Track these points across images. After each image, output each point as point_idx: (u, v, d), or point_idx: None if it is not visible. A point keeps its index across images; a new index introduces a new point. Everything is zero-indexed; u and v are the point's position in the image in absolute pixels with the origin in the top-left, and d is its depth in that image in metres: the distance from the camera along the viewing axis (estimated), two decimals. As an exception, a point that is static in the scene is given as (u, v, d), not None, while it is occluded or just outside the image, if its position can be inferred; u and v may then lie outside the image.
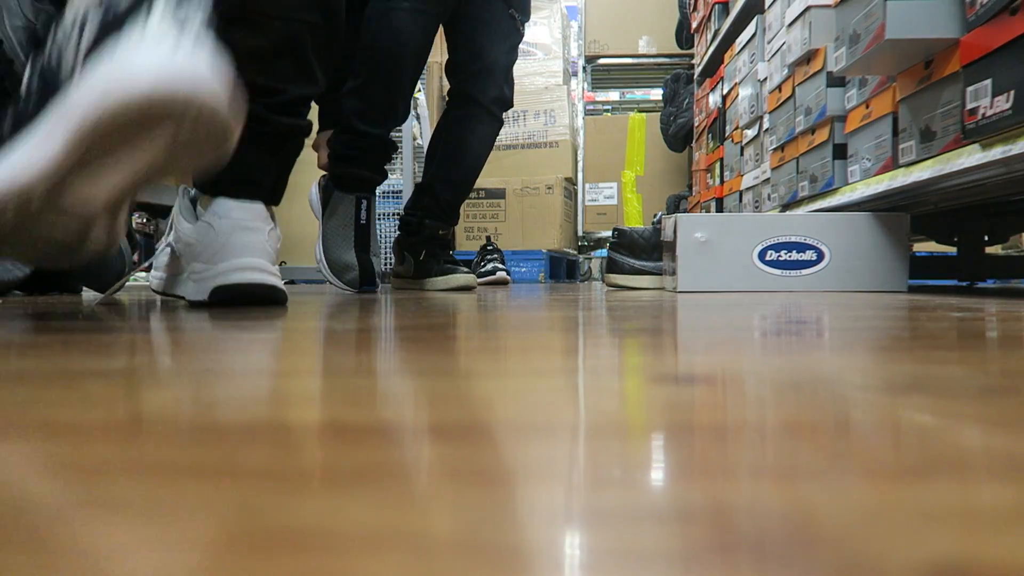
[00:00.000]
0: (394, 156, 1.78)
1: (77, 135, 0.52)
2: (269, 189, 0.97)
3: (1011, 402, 0.28)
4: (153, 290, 1.08)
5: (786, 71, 2.06)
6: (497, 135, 1.85)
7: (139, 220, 2.72)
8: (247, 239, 0.91)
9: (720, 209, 2.99)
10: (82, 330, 0.61)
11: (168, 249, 1.00)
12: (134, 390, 0.31)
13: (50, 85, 0.54)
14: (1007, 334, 0.58)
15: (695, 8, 3.71)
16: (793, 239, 1.57)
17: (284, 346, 0.50)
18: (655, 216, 1.98)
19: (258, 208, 0.93)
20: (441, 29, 1.78)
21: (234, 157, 0.69)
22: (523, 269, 3.61)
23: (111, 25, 0.51)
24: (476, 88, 1.76)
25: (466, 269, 1.80)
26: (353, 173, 1.66)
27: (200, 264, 0.92)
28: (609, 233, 2.05)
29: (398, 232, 1.89)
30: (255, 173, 0.95)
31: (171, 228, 1.00)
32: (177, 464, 0.19)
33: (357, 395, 0.30)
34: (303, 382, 0.34)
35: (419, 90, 3.25)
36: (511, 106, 1.85)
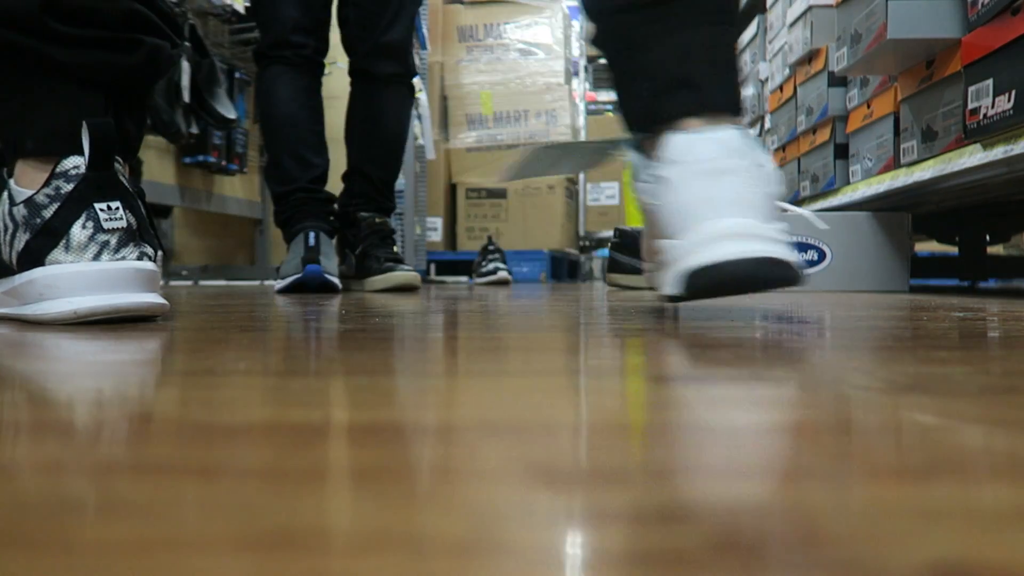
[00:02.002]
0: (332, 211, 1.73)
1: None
2: (713, 88, 0.66)
3: (1012, 402, 0.28)
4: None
5: (787, 71, 2.06)
6: (411, 103, 1.81)
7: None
8: (717, 190, 0.60)
9: (721, 209, 2.98)
10: (83, 330, 0.61)
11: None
12: (134, 389, 0.31)
13: None
14: (1008, 334, 0.58)
15: (696, 8, 3.71)
16: (795, 239, 1.57)
17: (274, 344, 0.50)
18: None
19: (727, 134, 0.61)
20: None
21: (650, 59, 0.62)
22: (524, 269, 3.61)
23: (41, 238, 0.63)
24: (375, 67, 1.70)
25: (409, 266, 1.69)
26: (300, 228, 1.62)
27: (665, 240, 0.64)
28: (611, 233, 2.05)
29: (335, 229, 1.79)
30: (687, 68, 0.65)
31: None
32: (177, 464, 0.19)
33: (348, 394, 0.30)
34: (303, 382, 0.34)
35: (420, 90, 3.25)
36: (415, 74, 1.82)
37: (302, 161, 1.64)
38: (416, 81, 3.18)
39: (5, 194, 0.66)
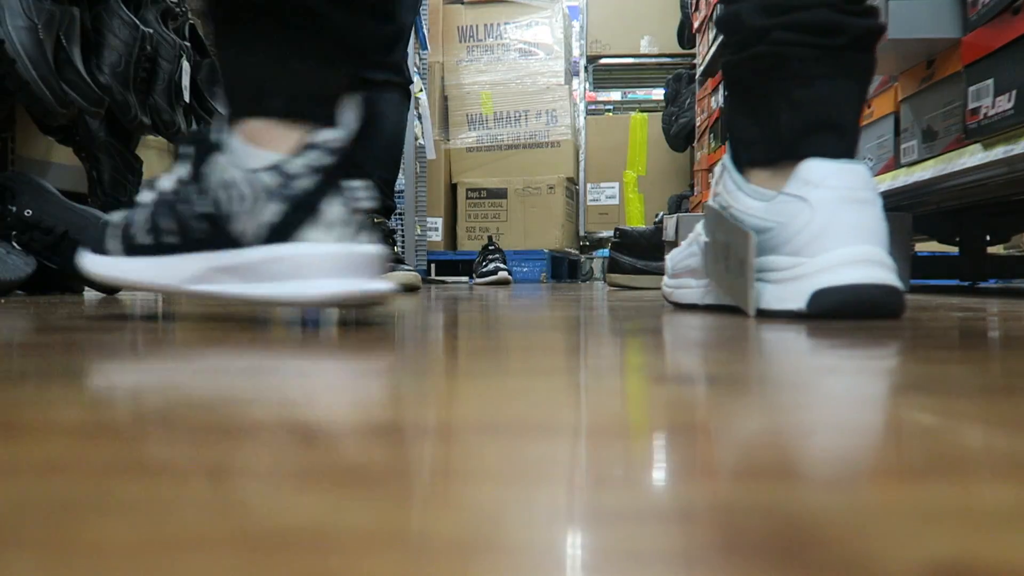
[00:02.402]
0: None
1: (248, 297, 0.61)
2: (853, 135, 0.70)
3: (1012, 402, 0.28)
4: (673, 301, 0.88)
5: (788, 71, 2.06)
6: (408, 105, 1.82)
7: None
8: (857, 217, 0.64)
9: (722, 209, 2.98)
10: (84, 330, 0.61)
11: (695, 248, 0.79)
12: (134, 389, 0.31)
13: (214, 233, 0.61)
14: (1009, 334, 0.58)
15: (697, 8, 3.71)
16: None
17: (289, 348, 0.50)
18: (657, 216, 1.98)
19: (862, 171, 0.65)
20: None
21: (802, 96, 0.67)
22: (525, 269, 3.61)
23: (295, 212, 0.59)
24: (370, 74, 1.69)
25: (409, 267, 1.71)
26: None
27: (785, 257, 0.66)
28: (611, 233, 2.05)
29: None
30: (839, 113, 0.68)
31: (703, 226, 0.77)
32: (177, 464, 0.19)
33: (348, 394, 0.30)
34: (313, 382, 0.34)
35: (420, 90, 3.25)
36: (410, 80, 1.84)
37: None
38: (416, 81, 3.19)
39: (219, 154, 0.60)
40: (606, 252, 3.24)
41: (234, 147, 0.60)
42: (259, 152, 0.59)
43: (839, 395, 0.29)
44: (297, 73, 0.61)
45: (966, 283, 2.06)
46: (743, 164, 0.72)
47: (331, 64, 0.62)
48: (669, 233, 1.72)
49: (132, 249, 0.63)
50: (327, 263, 0.57)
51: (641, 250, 1.91)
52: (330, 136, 0.59)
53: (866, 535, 0.14)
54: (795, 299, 0.65)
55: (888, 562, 0.13)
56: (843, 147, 0.68)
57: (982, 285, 2.08)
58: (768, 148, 0.70)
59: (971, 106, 1.14)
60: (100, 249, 0.65)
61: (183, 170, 0.62)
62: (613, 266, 1.93)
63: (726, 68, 0.74)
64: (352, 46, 0.63)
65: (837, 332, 0.58)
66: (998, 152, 1.09)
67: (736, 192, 0.71)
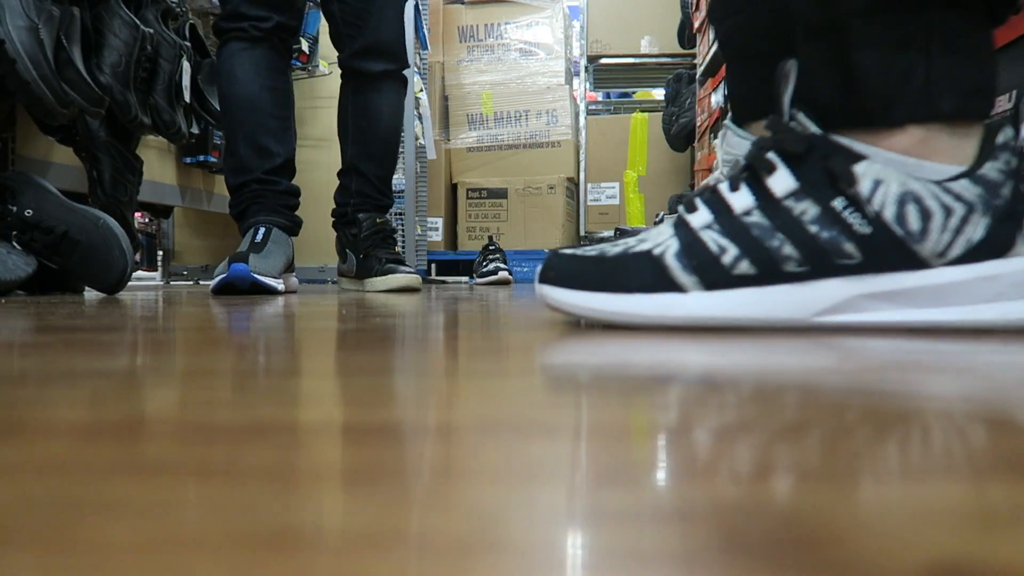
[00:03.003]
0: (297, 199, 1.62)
1: (911, 324, 0.52)
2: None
3: (1012, 402, 0.28)
4: None
5: (788, 71, 2.05)
6: (404, 95, 1.71)
7: (141, 220, 2.73)
8: None
9: (722, 209, 2.97)
10: (84, 329, 0.61)
11: None
12: (135, 390, 0.31)
13: (880, 253, 0.52)
14: (1009, 334, 0.58)
15: (697, 8, 3.71)
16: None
17: (289, 345, 0.50)
18: (657, 216, 1.98)
19: None
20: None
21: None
22: (525, 269, 3.61)
23: (1008, 224, 0.51)
24: (366, 65, 1.61)
25: (410, 268, 1.62)
26: (251, 222, 1.53)
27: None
28: (611, 233, 2.05)
29: (335, 229, 1.73)
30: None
31: None
32: (177, 464, 0.19)
33: (348, 394, 0.30)
34: (313, 382, 0.34)
35: (420, 90, 3.25)
36: (408, 65, 1.71)
37: (259, 149, 1.51)
38: (416, 81, 3.19)
39: (888, 180, 0.51)
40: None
41: (916, 165, 0.52)
42: (933, 164, 0.52)
43: (839, 395, 0.29)
44: (981, 65, 0.55)
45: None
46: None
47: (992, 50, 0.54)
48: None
49: (723, 280, 0.54)
50: None
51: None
52: (1009, 134, 0.52)
53: (866, 535, 0.14)
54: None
55: (888, 562, 0.13)
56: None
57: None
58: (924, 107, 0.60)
59: (971, 106, 1.14)
60: (660, 286, 0.55)
61: (788, 183, 0.53)
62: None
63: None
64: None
65: (844, 332, 0.58)
66: (998, 152, 1.09)
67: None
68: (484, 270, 2.74)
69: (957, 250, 0.50)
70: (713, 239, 0.54)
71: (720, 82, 3.03)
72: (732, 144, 0.78)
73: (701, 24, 3.61)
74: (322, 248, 3.06)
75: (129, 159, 1.70)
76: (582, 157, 4.23)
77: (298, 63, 2.78)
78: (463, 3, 3.93)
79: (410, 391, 0.31)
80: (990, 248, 0.50)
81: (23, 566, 0.13)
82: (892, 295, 0.52)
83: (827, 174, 0.52)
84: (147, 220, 2.78)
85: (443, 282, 3.25)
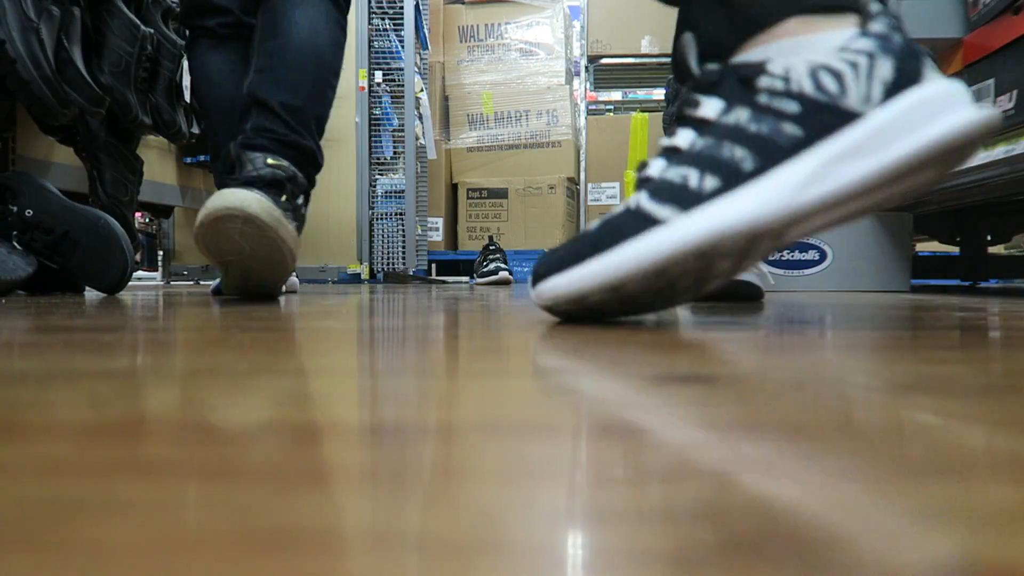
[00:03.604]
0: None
1: (895, 162, 0.53)
2: None
3: (1013, 402, 0.28)
4: None
5: (788, 71, 2.06)
6: (334, 15, 1.26)
7: (142, 220, 2.73)
8: None
9: (722, 209, 2.98)
10: (84, 329, 0.61)
11: None
12: (135, 390, 0.31)
13: (818, 122, 0.55)
14: (1010, 334, 0.58)
15: (697, 8, 3.71)
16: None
17: (290, 345, 0.50)
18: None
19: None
20: None
21: None
22: (525, 269, 3.61)
23: (909, 60, 0.54)
24: None
25: (256, 189, 1.08)
26: None
27: None
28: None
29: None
30: None
31: None
32: (177, 464, 0.19)
33: (349, 394, 0.30)
34: (313, 382, 0.34)
35: (421, 90, 3.25)
36: None
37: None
38: (417, 81, 3.19)
39: None
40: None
41: (781, 47, 0.57)
42: (823, 35, 0.56)
43: (842, 395, 0.29)
44: None
45: (967, 283, 2.06)
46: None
47: None
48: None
49: (688, 201, 0.56)
50: (960, 95, 0.52)
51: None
52: (881, 7, 0.56)
53: (866, 535, 0.14)
54: None
55: (889, 562, 0.13)
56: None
57: (983, 285, 2.08)
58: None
59: (972, 106, 1.14)
60: (642, 228, 0.57)
61: (713, 106, 0.58)
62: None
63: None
64: None
65: (845, 332, 0.58)
66: (999, 152, 1.09)
67: None
68: (484, 270, 2.75)
69: (878, 91, 0.53)
70: (674, 173, 0.57)
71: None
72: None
73: (701, 24, 3.61)
74: (323, 248, 3.06)
75: (129, 159, 1.70)
76: (582, 157, 4.23)
77: (298, 63, 2.78)
78: (463, 3, 3.93)
79: (410, 391, 0.31)
80: (906, 80, 0.53)
81: (23, 566, 0.13)
82: (850, 151, 0.53)
83: (743, 83, 0.57)
84: (147, 220, 2.78)
85: (443, 282, 3.25)
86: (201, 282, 2.70)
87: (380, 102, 3.09)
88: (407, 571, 0.13)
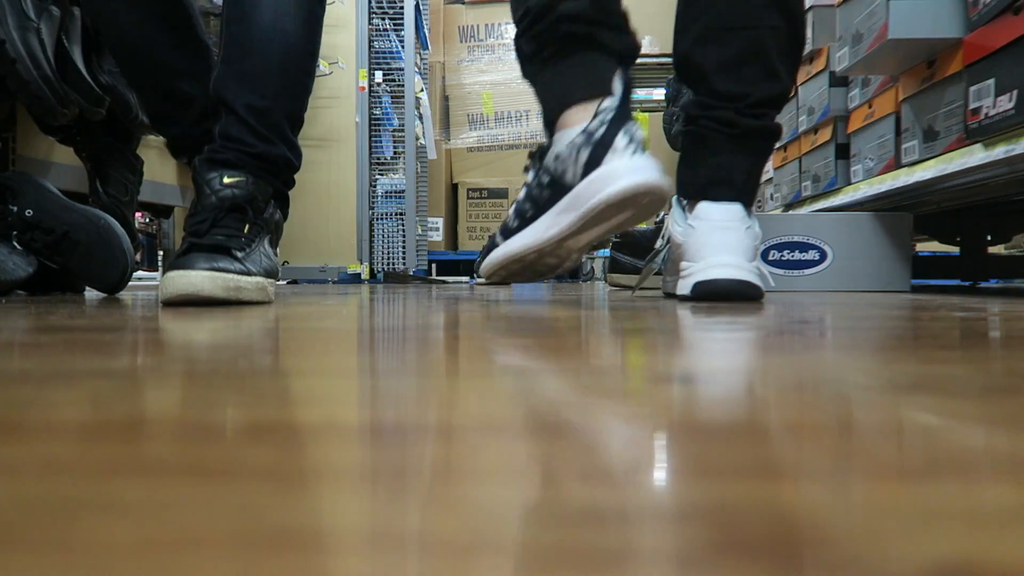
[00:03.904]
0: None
1: (583, 215, 0.88)
2: (740, 188, 1.02)
3: (1014, 402, 0.28)
4: (665, 292, 1.25)
5: (789, 71, 2.06)
6: (318, 13, 1.12)
7: (142, 220, 2.73)
8: (724, 238, 0.98)
9: (723, 209, 2.98)
10: (85, 329, 0.61)
11: (666, 253, 1.14)
12: (135, 390, 0.31)
13: (555, 191, 0.91)
14: (1010, 334, 0.58)
15: (698, 8, 3.71)
16: (796, 239, 1.57)
17: (288, 345, 0.50)
18: (658, 216, 1.98)
19: (735, 208, 1.00)
20: None
21: (711, 161, 1.03)
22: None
23: (597, 145, 0.87)
24: None
25: (222, 265, 0.94)
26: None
27: (686, 263, 1.01)
28: (611, 233, 2.04)
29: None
30: (729, 174, 1.02)
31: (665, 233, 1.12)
32: (177, 464, 0.19)
33: (348, 394, 0.30)
34: (313, 383, 0.34)
35: (421, 90, 3.25)
36: None
37: (175, 97, 1.13)
38: (417, 81, 3.19)
39: None
40: (607, 252, 3.24)
41: (555, 138, 0.91)
42: (572, 126, 0.89)
43: (843, 395, 0.29)
44: (579, 69, 0.93)
45: (967, 283, 2.06)
46: (683, 198, 1.06)
47: (603, 45, 0.93)
48: (670, 233, 1.72)
49: (508, 233, 0.97)
50: (625, 169, 0.85)
51: (642, 250, 1.91)
52: (610, 103, 0.89)
53: (866, 535, 0.14)
54: (686, 289, 0.99)
55: (888, 562, 0.13)
56: (731, 195, 1.01)
57: (983, 285, 2.08)
58: (692, 190, 1.04)
59: (972, 106, 1.14)
60: (490, 251, 1.01)
61: (530, 176, 0.97)
62: (614, 266, 1.93)
63: (681, 135, 1.10)
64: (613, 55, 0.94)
65: (846, 333, 0.58)
66: (999, 152, 1.09)
67: (672, 221, 1.06)
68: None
69: (580, 172, 0.87)
70: (509, 212, 0.99)
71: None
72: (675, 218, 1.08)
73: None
74: (323, 248, 3.06)
75: (130, 159, 1.70)
76: (583, 157, 4.22)
77: (298, 63, 2.78)
78: (463, 3, 3.93)
79: (410, 391, 0.31)
80: (593, 164, 0.87)
81: (23, 566, 0.13)
82: (565, 208, 0.89)
83: (541, 157, 0.97)
84: (147, 220, 2.78)
85: (443, 282, 3.25)
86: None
87: (380, 102, 3.09)
88: (407, 571, 0.13)
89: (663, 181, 0.85)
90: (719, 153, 1.02)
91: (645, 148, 0.87)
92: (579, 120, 0.88)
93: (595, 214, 0.86)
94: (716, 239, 0.97)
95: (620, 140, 0.86)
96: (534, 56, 0.96)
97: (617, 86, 0.89)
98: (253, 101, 1.03)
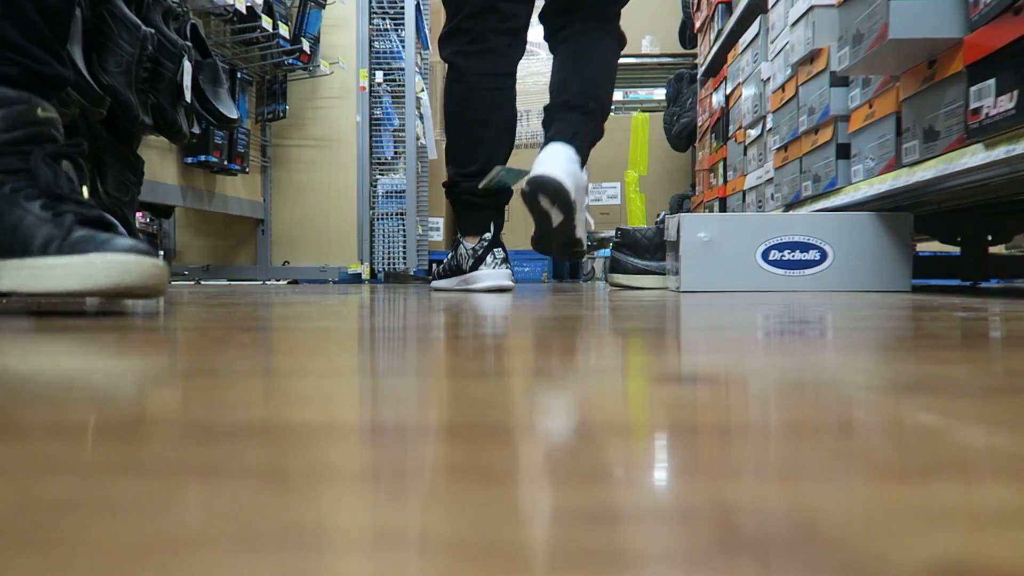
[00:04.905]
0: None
1: (465, 287, 1.65)
2: (570, 137, 1.64)
3: (1014, 402, 0.28)
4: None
5: (789, 71, 2.06)
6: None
7: (143, 220, 2.73)
8: (551, 158, 1.62)
9: (723, 209, 2.99)
10: (85, 329, 0.61)
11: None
12: (135, 389, 0.31)
13: (458, 269, 1.69)
14: (1010, 334, 0.58)
15: (698, 8, 3.71)
16: (796, 239, 1.57)
17: (285, 345, 0.50)
18: (658, 216, 1.98)
19: (564, 146, 1.64)
20: None
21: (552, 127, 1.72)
22: (526, 269, 3.61)
23: (477, 261, 1.63)
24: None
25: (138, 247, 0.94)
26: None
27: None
28: (612, 233, 2.05)
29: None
30: (567, 129, 1.67)
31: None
32: (177, 464, 0.19)
33: (349, 394, 0.30)
34: (313, 383, 0.34)
35: (422, 90, 3.25)
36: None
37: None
38: (418, 81, 3.19)
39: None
40: (608, 252, 3.24)
41: (461, 245, 1.68)
42: (469, 243, 1.67)
43: (843, 395, 0.29)
44: (473, 218, 1.70)
45: (967, 283, 2.06)
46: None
47: (485, 207, 1.72)
48: (671, 233, 1.72)
49: (441, 276, 1.78)
50: (491, 275, 1.62)
51: (643, 250, 1.91)
52: (487, 236, 1.66)
53: (866, 535, 0.14)
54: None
55: (888, 562, 0.13)
56: (565, 139, 1.66)
57: (983, 285, 2.08)
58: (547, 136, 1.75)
59: (973, 106, 1.14)
60: (437, 280, 1.82)
61: (451, 254, 1.73)
62: (615, 266, 1.93)
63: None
64: (493, 207, 1.73)
65: (847, 333, 0.58)
66: (1000, 152, 1.09)
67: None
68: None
69: (469, 267, 1.69)
70: (446, 261, 1.80)
71: (722, 81, 3.03)
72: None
73: (702, 24, 3.61)
74: (323, 248, 3.06)
75: (131, 159, 1.70)
76: (583, 157, 4.22)
77: (298, 63, 2.78)
78: (464, 3, 3.92)
79: (410, 391, 0.31)
80: (478, 263, 1.70)
81: (23, 566, 0.13)
82: (463, 281, 1.69)
83: (456, 247, 1.77)
84: (148, 220, 2.78)
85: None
86: (202, 282, 2.70)
87: (381, 102, 3.09)
88: (407, 571, 0.13)
89: (508, 283, 1.62)
90: (563, 123, 1.64)
91: (505, 262, 1.64)
92: (471, 242, 1.67)
93: (469, 287, 1.64)
94: (548, 158, 1.56)
95: (489, 259, 1.64)
96: (454, 206, 1.73)
97: (491, 228, 1.65)
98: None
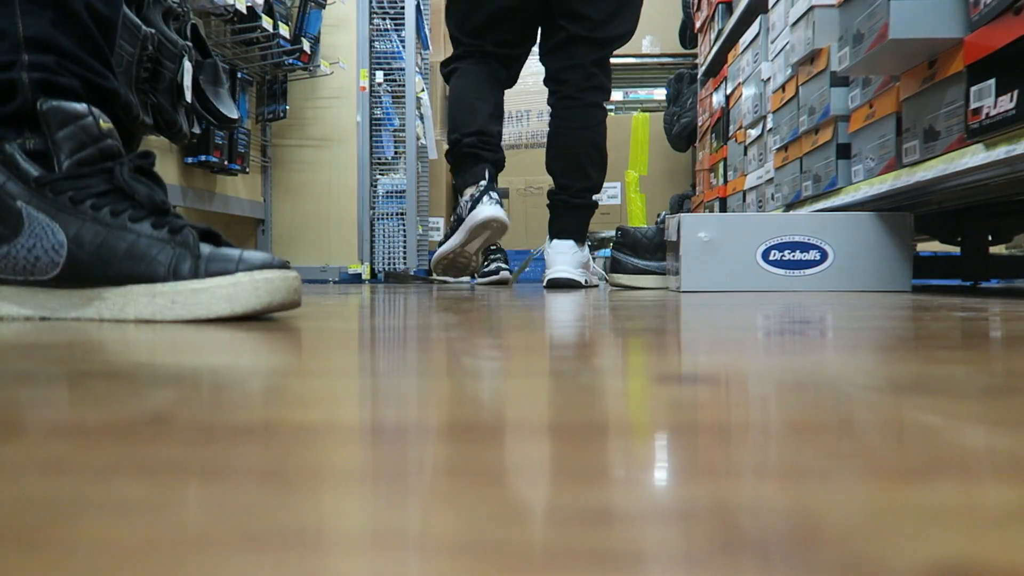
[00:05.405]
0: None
1: (467, 232, 1.77)
2: (572, 233, 1.97)
3: (1014, 402, 0.28)
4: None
5: (790, 71, 2.06)
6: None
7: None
8: (560, 257, 1.91)
9: (723, 209, 2.98)
10: (85, 328, 0.61)
11: None
12: (135, 389, 0.31)
13: (461, 220, 1.79)
14: (1011, 334, 0.58)
15: (699, 8, 3.71)
16: (796, 239, 1.57)
17: (288, 345, 0.50)
18: (659, 216, 1.98)
19: (568, 243, 1.95)
20: None
21: (557, 222, 1.98)
22: (527, 269, 3.61)
23: (475, 203, 1.76)
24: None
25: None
26: None
27: (547, 269, 1.96)
28: (613, 233, 2.05)
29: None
30: (566, 227, 1.96)
31: None
32: (177, 464, 0.19)
33: (348, 394, 0.30)
34: (313, 383, 0.34)
35: (422, 90, 3.25)
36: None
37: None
38: (418, 81, 3.19)
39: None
40: (608, 252, 3.24)
41: (461, 198, 1.82)
42: (468, 193, 1.81)
43: (844, 395, 0.29)
44: (472, 171, 1.84)
45: (968, 283, 2.06)
46: (550, 238, 1.98)
47: (484, 160, 1.89)
48: (671, 233, 1.72)
49: (444, 240, 1.87)
50: (487, 209, 1.77)
51: (643, 250, 1.91)
52: (483, 184, 1.80)
53: (866, 535, 0.14)
54: (545, 281, 1.88)
55: (888, 562, 0.13)
56: (566, 236, 1.90)
57: (984, 285, 2.08)
58: (551, 234, 2.00)
59: (973, 106, 1.14)
60: (441, 246, 1.89)
61: (456, 210, 1.85)
62: (615, 266, 1.93)
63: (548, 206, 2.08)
64: (488, 161, 1.90)
65: (847, 333, 0.58)
66: (1000, 152, 1.09)
67: (546, 246, 1.98)
68: (485, 270, 2.74)
69: (467, 211, 1.82)
70: (450, 226, 1.99)
71: (722, 81, 3.03)
72: None
73: (702, 24, 3.61)
74: (323, 248, 3.06)
75: (130, 159, 1.70)
76: (583, 157, 4.22)
77: (299, 63, 2.78)
78: (464, 3, 3.92)
79: (410, 391, 0.31)
80: (472, 208, 1.87)
81: (23, 566, 0.13)
82: (463, 229, 1.84)
83: (455, 206, 2.23)
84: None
85: (444, 282, 3.25)
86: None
87: (381, 102, 3.09)
88: (407, 571, 0.13)
89: (503, 217, 1.78)
90: (561, 217, 1.93)
91: (501, 204, 1.78)
92: (469, 192, 1.81)
93: (471, 231, 1.77)
94: (556, 258, 1.87)
95: (485, 199, 1.77)
96: (455, 166, 1.89)
97: (485, 176, 1.80)
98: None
